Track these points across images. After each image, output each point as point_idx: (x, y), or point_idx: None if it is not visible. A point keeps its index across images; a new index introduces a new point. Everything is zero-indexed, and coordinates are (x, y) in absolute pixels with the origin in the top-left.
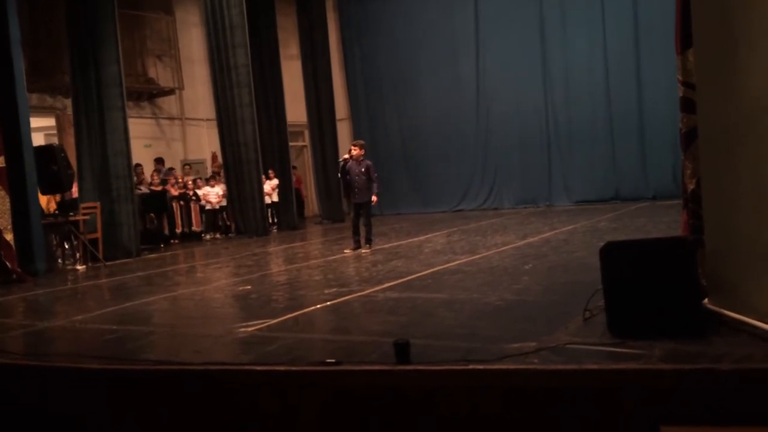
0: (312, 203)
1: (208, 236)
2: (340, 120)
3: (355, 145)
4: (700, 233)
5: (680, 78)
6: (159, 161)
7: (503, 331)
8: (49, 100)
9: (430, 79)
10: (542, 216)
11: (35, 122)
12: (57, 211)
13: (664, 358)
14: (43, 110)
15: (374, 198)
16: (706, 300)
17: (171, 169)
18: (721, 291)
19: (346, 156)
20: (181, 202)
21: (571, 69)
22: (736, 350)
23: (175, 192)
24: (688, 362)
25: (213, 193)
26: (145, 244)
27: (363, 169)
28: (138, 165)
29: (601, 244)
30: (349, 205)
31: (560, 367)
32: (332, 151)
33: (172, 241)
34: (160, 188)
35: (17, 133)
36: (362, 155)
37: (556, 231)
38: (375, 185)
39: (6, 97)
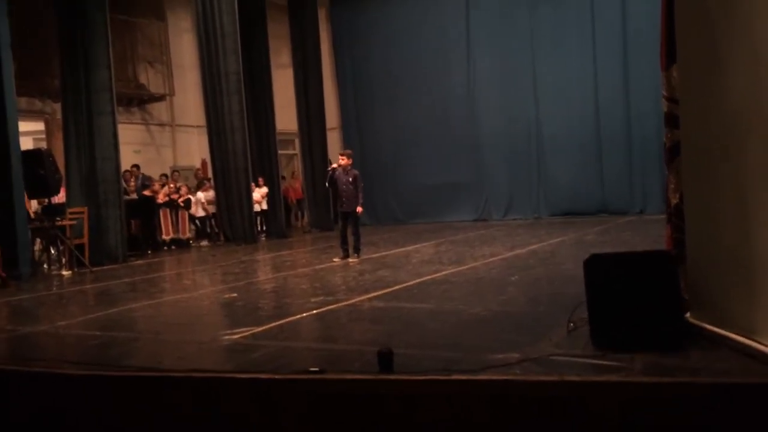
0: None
1: (196, 243)
2: (331, 129)
3: (343, 155)
4: (683, 247)
5: (665, 93)
6: (136, 167)
7: (487, 341)
8: (38, 104)
9: (421, 90)
10: (530, 228)
11: (24, 126)
12: (41, 213)
13: (644, 371)
14: (32, 114)
15: (359, 209)
16: (687, 313)
17: (148, 177)
18: (702, 305)
19: (335, 165)
20: (180, 203)
21: (560, 82)
22: (715, 364)
23: (162, 199)
24: (667, 375)
25: (203, 200)
26: (132, 250)
27: (350, 179)
28: (126, 171)
29: (587, 256)
30: (336, 215)
31: (542, 378)
32: (322, 160)
33: (165, 248)
34: (149, 194)
35: (5, 136)
36: (350, 165)
37: (544, 243)
38: (360, 195)
39: None
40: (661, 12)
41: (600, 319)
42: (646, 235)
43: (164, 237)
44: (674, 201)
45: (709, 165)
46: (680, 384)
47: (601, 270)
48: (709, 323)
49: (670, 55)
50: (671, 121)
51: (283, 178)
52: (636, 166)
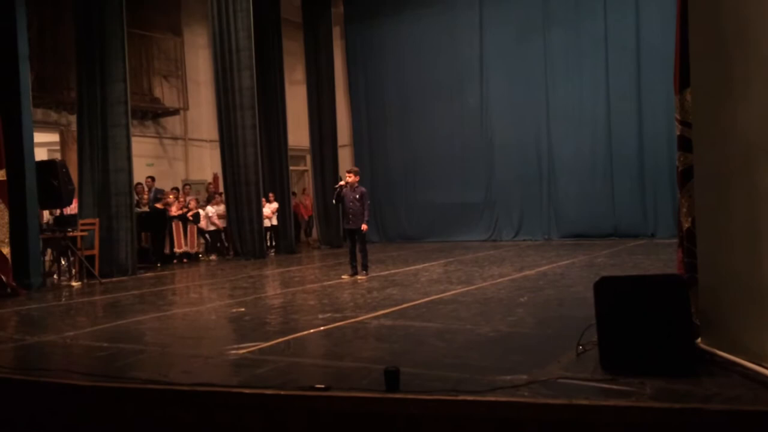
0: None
1: (205, 257)
2: (342, 146)
3: (350, 172)
4: (695, 272)
5: (678, 117)
6: (151, 179)
7: (495, 362)
8: (53, 116)
9: (434, 109)
10: (540, 249)
11: (39, 137)
12: (52, 224)
13: (654, 396)
14: (47, 125)
15: (364, 226)
16: (698, 339)
17: (161, 190)
18: (714, 330)
19: (342, 183)
20: (189, 216)
21: (572, 104)
22: (726, 391)
23: (176, 212)
24: (677, 401)
25: (215, 214)
26: (142, 263)
27: (357, 196)
28: (138, 183)
29: (597, 279)
30: (344, 232)
31: (551, 401)
32: (333, 176)
33: (174, 261)
34: (161, 207)
35: (20, 147)
36: (357, 182)
37: (553, 265)
38: (365, 212)
39: (11, 111)
40: (676, 36)
41: (610, 343)
42: (657, 258)
43: (176, 250)
44: (686, 225)
45: (721, 189)
46: (691, 410)
47: (611, 293)
48: (721, 349)
49: (683, 78)
50: (684, 144)
51: (294, 194)
52: (648, 189)
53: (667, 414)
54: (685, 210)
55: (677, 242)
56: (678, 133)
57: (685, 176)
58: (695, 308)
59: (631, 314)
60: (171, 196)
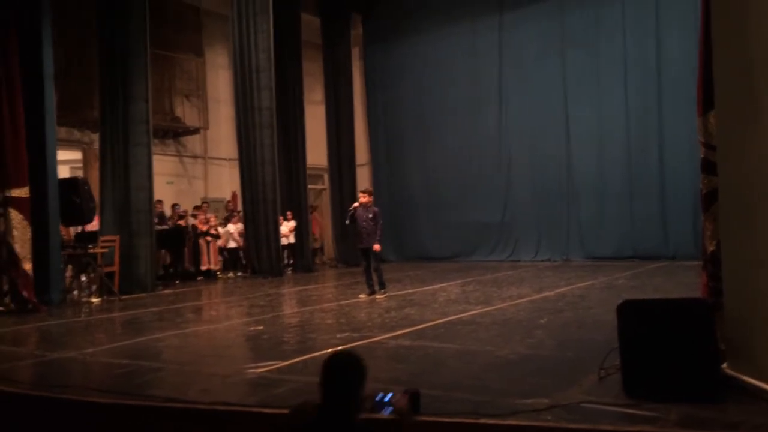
0: (329, 247)
1: (223, 274)
2: (360, 165)
3: (363, 193)
4: (719, 296)
5: (701, 139)
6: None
7: (515, 385)
8: (76, 134)
9: (452, 129)
10: (559, 270)
11: (62, 155)
12: (73, 240)
13: (679, 423)
14: (70, 143)
15: (376, 246)
16: (724, 364)
17: (176, 205)
18: (740, 356)
19: (356, 204)
20: (208, 238)
21: (592, 125)
22: (754, 418)
23: (202, 228)
24: (703, 428)
25: (234, 232)
26: (161, 280)
27: (370, 216)
28: (159, 201)
29: (618, 301)
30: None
31: (574, 426)
32: (350, 195)
33: (199, 278)
34: (182, 223)
35: (44, 164)
36: (371, 202)
37: (573, 286)
38: (378, 232)
39: (35, 129)
40: (699, 57)
41: (633, 368)
42: (679, 281)
43: (202, 267)
44: (711, 248)
45: (747, 212)
46: None
47: (634, 316)
48: (748, 375)
49: (707, 100)
50: (708, 167)
51: (315, 207)
52: (668, 210)
53: None
54: (709, 233)
55: (701, 265)
56: (702, 155)
57: (709, 199)
58: (720, 333)
59: (655, 338)
60: (202, 215)
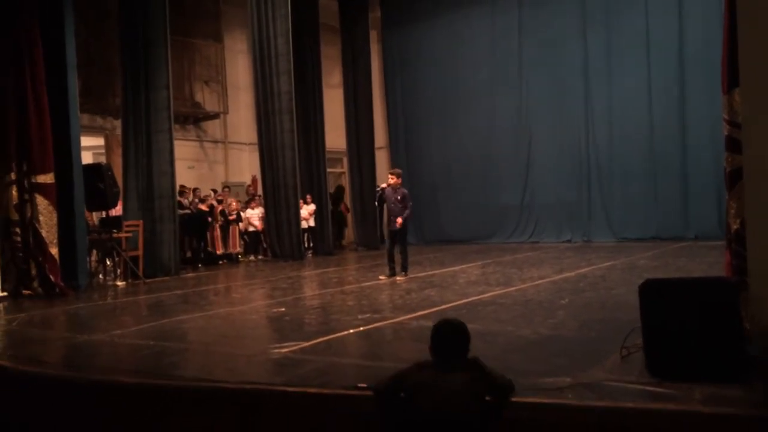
0: (349, 230)
1: (244, 258)
2: (379, 148)
3: (392, 174)
4: (744, 274)
5: (726, 117)
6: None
7: (537, 365)
8: (99, 121)
9: (471, 111)
10: (580, 251)
11: (85, 141)
12: (98, 226)
13: (703, 401)
14: (93, 130)
15: (399, 220)
16: (749, 344)
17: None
18: (765, 335)
19: (384, 185)
20: (231, 218)
21: (613, 105)
22: None
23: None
24: (729, 406)
25: (255, 216)
26: (184, 264)
27: (399, 197)
28: (181, 187)
29: (640, 281)
30: (386, 233)
31: (596, 403)
32: (370, 178)
33: (220, 262)
34: (206, 208)
35: (68, 151)
36: (399, 183)
37: (594, 267)
38: (407, 212)
39: (59, 117)
40: (723, 34)
41: (656, 347)
42: (702, 261)
43: (224, 251)
44: (735, 227)
45: None
46: (743, 417)
47: (657, 296)
48: None
49: (732, 78)
50: (732, 145)
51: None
52: (691, 190)
53: (718, 420)
54: (733, 212)
55: (725, 244)
56: (726, 133)
57: (734, 177)
58: (745, 312)
59: (678, 318)
60: (225, 198)
